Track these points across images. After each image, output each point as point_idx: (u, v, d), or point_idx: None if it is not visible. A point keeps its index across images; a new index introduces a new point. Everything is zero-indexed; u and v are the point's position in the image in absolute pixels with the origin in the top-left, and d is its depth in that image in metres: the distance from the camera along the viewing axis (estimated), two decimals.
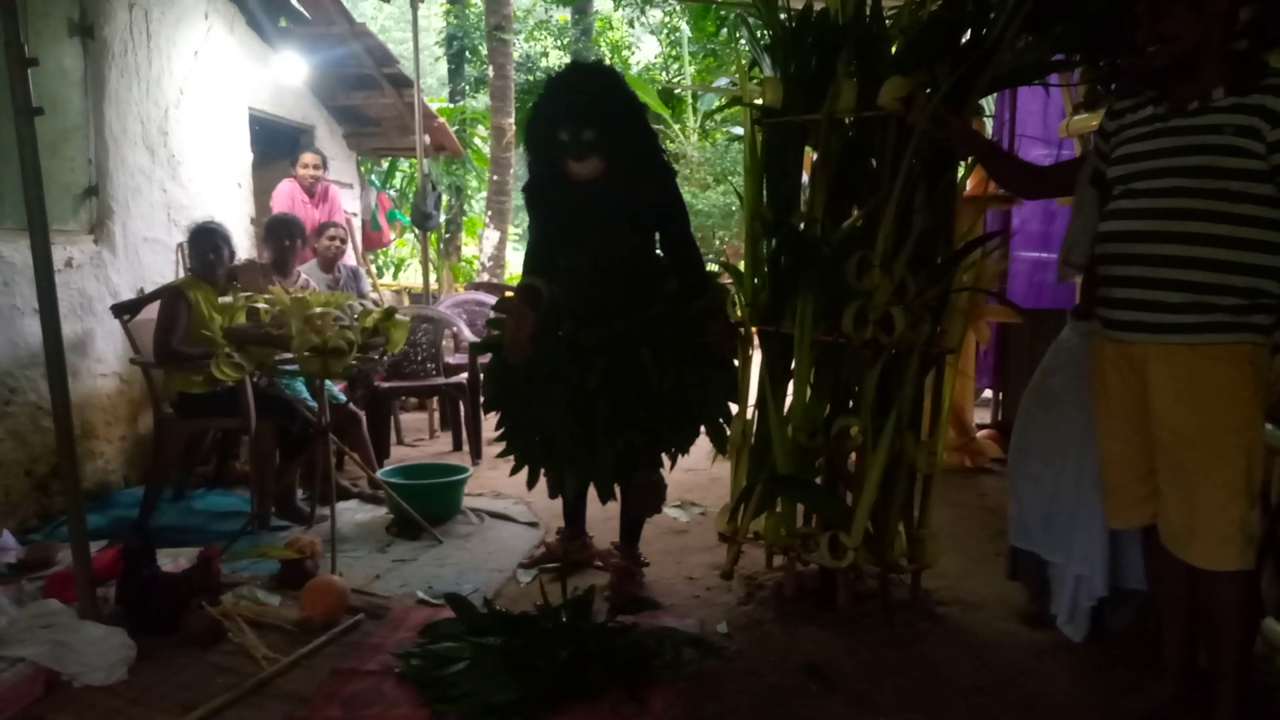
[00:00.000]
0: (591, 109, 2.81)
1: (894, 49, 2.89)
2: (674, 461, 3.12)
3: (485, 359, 3.25)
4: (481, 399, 3.40)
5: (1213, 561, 2.14)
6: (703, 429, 3.04)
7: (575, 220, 2.98)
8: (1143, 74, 2.29)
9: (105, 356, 4.32)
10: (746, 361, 3.14)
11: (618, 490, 3.10)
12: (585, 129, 2.79)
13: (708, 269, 3.20)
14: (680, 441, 3.02)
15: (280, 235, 4.48)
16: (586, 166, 2.85)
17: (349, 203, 7.27)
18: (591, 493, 3.10)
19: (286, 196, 5.80)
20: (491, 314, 3.23)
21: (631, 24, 17.02)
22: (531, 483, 3.11)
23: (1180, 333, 2.14)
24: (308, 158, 5.95)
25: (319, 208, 5.93)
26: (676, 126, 14.67)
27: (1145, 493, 2.31)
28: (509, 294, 3.40)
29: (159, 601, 2.78)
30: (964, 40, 2.85)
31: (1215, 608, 2.22)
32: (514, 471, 3.12)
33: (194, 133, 5.02)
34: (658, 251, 3.11)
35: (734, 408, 3.09)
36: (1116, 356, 2.30)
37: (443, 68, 17.24)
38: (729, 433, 3.10)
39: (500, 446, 3.12)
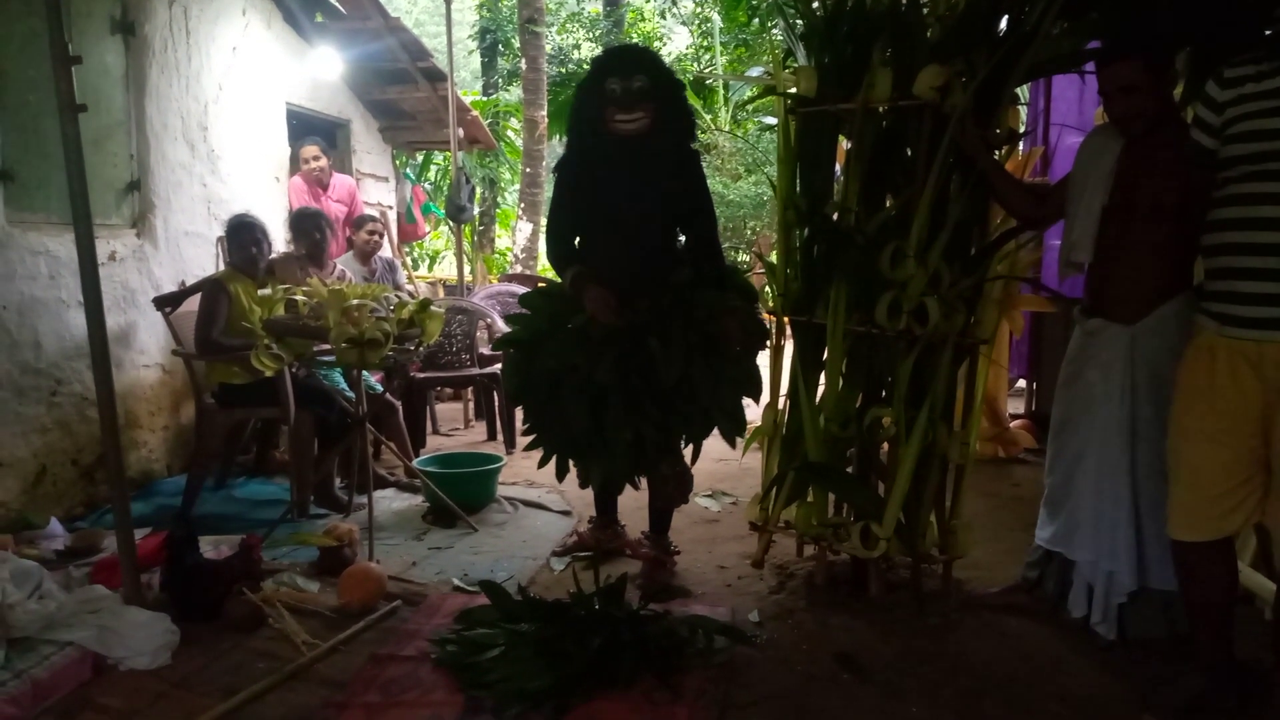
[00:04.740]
0: (642, 59, 3.00)
1: (930, 37, 2.86)
2: (696, 454, 3.11)
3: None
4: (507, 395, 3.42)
5: None
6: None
7: (610, 191, 2.97)
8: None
9: (148, 348, 4.41)
10: (779, 351, 3.13)
11: (644, 480, 3.11)
12: (635, 76, 2.89)
13: (734, 265, 3.19)
14: (691, 432, 3.01)
15: (310, 229, 4.46)
16: (634, 117, 2.88)
17: (384, 195, 7.32)
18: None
19: (300, 191, 5.65)
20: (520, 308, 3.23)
21: (663, 15, 16.97)
22: (561, 475, 3.13)
23: None
24: (306, 151, 5.67)
25: (334, 198, 5.79)
26: (708, 117, 14.63)
27: (1237, 502, 2.17)
28: (541, 284, 3.41)
29: (201, 588, 2.84)
30: (1001, 28, 2.83)
31: None
32: (542, 464, 3.14)
33: (233, 127, 5.08)
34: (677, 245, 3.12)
35: (748, 401, 3.06)
36: (1233, 355, 2.13)
37: (476, 61, 17.33)
38: (744, 424, 3.05)
39: (531, 438, 3.14)
